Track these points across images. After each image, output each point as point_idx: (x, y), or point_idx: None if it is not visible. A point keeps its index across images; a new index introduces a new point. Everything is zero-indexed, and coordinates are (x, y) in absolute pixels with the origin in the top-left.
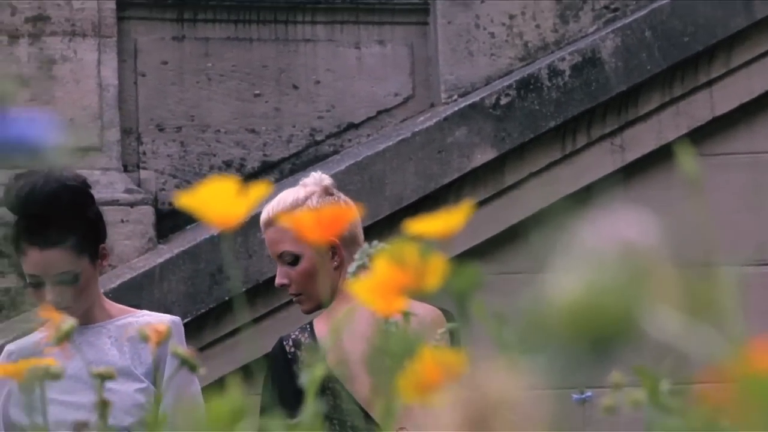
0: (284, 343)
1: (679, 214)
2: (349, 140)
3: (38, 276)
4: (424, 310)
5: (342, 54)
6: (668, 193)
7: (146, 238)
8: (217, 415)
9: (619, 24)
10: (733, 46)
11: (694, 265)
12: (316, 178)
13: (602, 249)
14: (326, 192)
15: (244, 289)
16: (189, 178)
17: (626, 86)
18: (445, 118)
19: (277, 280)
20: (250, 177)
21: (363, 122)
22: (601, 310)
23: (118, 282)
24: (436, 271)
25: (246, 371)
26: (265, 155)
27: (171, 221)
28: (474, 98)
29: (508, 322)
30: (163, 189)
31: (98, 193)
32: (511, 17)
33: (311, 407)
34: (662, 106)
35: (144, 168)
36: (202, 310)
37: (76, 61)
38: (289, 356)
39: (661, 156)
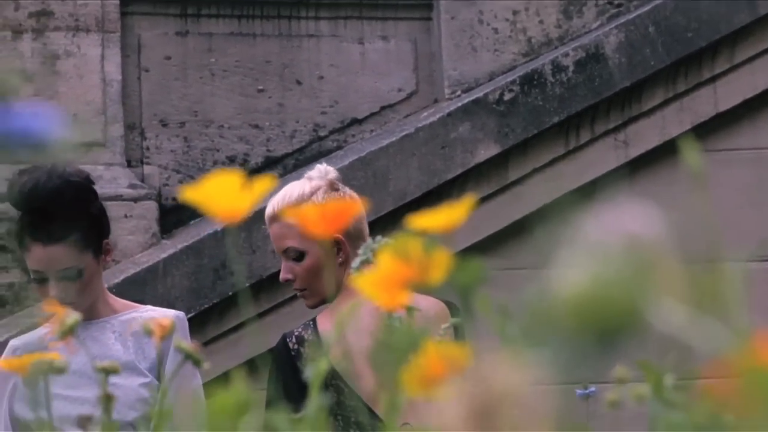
0: (287, 339)
1: (683, 210)
2: (353, 136)
3: (42, 272)
4: (428, 304)
5: (345, 49)
6: (672, 188)
7: (150, 234)
8: (222, 408)
9: (622, 20)
10: (736, 42)
11: (698, 261)
12: (321, 171)
13: (607, 242)
14: (332, 187)
15: (247, 285)
16: (192, 173)
17: (630, 82)
18: (449, 114)
19: (282, 275)
20: (253, 172)
21: (366, 118)
22: (607, 302)
23: (122, 277)
24: (440, 265)
25: (250, 366)
26: (268, 151)
27: (174, 216)
28: (477, 94)
29: (511, 316)
30: (167, 184)
31: (102, 189)
32: (515, 13)
33: (316, 401)
34: (666, 102)
35: (147, 163)
36: (206, 306)
37: (80, 56)
38: (293, 353)
39: (665, 152)
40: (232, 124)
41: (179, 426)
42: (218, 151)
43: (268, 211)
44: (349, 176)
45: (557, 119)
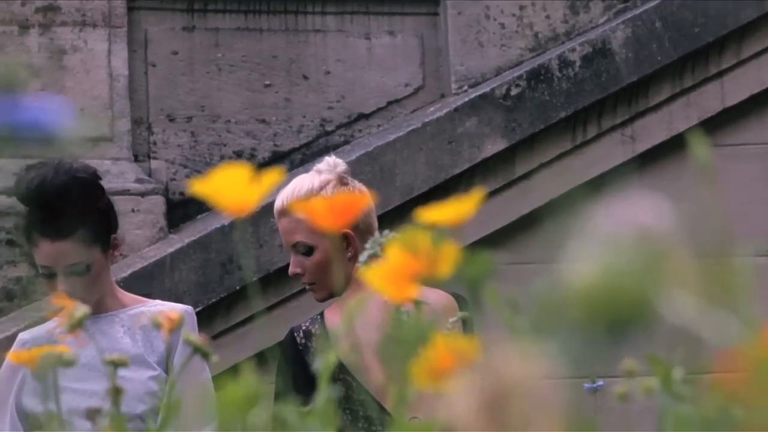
0: (295, 334)
1: (690, 205)
2: (360, 130)
3: (50, 267)
4: (436, 297)
5: (352, 44)
6: (678, 183)
7: (157, 228)
8: (232, 400)
9: (629, 15)
10: (743, 38)
11: (708, 254)
12: (330, 164)
13: (618, 233)
14: (341, 181)
15: (255, 279)
16: (199, 168)
17: (637, 77)
18: (456, 109)
19: (291, 270)
20: (260, 167)
21: (373, 113)
22: (617, 293)
23: (129, 271)
24: (449, 258)
25: (258, 360)
26: (275, 145)
27: (182, 211)
28: (484, 89)
29: (520, 308)
30: (174, 179)
31: (109, 183)
32: (521, 8)
33: (324, 394)
34: (673, 97)
35: (155, 158)
36: (213, 300)
37: (87, 51)
38: (300, 347)
39: (672, 147)
40: (239, 119)
41: (188, 418)
42: (225, 145)
43: (277, 205)
44: (356, 171)
45: (564, 114)
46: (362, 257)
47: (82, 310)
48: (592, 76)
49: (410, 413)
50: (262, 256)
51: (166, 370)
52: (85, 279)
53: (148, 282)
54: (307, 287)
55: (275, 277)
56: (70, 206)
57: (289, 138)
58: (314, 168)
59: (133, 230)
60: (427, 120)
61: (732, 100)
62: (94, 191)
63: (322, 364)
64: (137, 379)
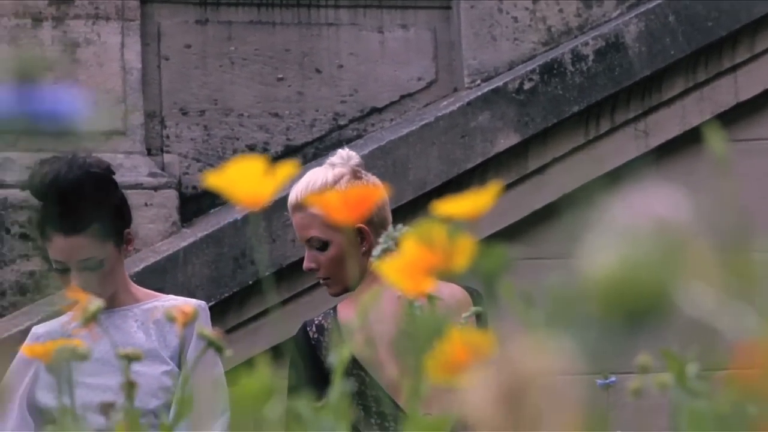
0: (307, 328)
1: (703, 199)
2: (372, 124)
3: (63, 262)
4: (451, 291)
5: (365, 38)
6: (692, 178)
7: (170, 222)
8: (247, 394)
9: (642, 8)
10: (757, 32)
11: (724, 247)
12: (344, 157)
13: (635, 225)
14: (355, 175)
15: (265, 275)
16: (212, 161)
17: (650, 71)
18: (469, 103)
19: (306, 265)
20: (273, 161)
21: (386, 106)
22: (635, 285)
23: (142, 266)
24: (464, 251)
25: (269, 355)
26: (288, 139)
27: (194, 205)
28: (497, 83)
29: (535, 302)
30: (187, 173)
31: (122, 177)
32: (534, 1)
33: (338, 388)
34: (686, 92)
35: (167, 152)
36: (226, 294)
37: (100, 44)
38: (313, 342)
39: (685, 141)
40: (252, 113)
41: (201, 411)
42: (238, 139)
43: (291, 199)
44: (368, 165)
45: (577, 108)
46: (375, 251)
47: (96, 304)
48: (605, 70)
49: (423, 409)
50: (275, 250)
51: (180, 365)
52: (99, 274)
53: (161, 276)
54: (321, 282)
55: (288, 272)
56: (83, 201)
57: (301, 132)
58: (327, 161)
59: (146, 224)
60: (440, 114)
61: (745, 95)
62: (108, 186)
63: (335, 358)
64: (150, 374)
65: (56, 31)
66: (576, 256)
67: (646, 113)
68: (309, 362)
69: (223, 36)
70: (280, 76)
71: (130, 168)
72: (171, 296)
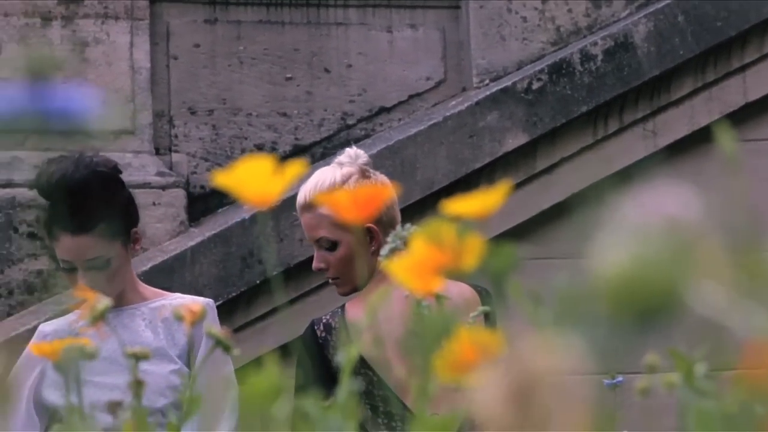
0: (315, 327)
1: (712, 200)
2: (381, 124)
3: (71, 261)
4: (459, 290)
5: (374, 37)
6: (700, 178)
7: (178, 221)
8: (255, 392)
9: (651, 8)
10: (766, 32)
11: (735, 247)
12: (352, 156)
13: (646, 224)
14: (363, 174)
15: (273, 274)
16: (221, 161)
17: (659, 71)
18: (477, 103)
19: (315, 265)
20: (281, 160)
21: (394, 106)
22: (646, 283)
23: (150, 265)
24: (473, 251)
25: (277, 354)
26: (296, 139)
27: (202, 204)
28: (506, 83)
29: (544, 302)
30: (195, 172)
31: (130, 176)
32: (543, 1)
33: (346, 387)
34: (695, 92)
35: (176, 151)
36: (234, 294)
37: (109, 43)
38: (320, 341)
39: (693, 142)
40: (261, 112)
41: (212, 411)
42: (246, 139)
43: (300, 199)
44: (377, 165)
45: (585, 108)
46: (383, 251)
47: (104, 302)
48: (613, 70)
49: (431, 409)
50: (283, 249)
51: (188, 364)
52: (106, 273)
53: (168, 276)
54: (330, 281)
55: (295, 271)
56: (90, 201)
57: (310, 131)
58: (335, 160)
59: (153, 223)
60: (448, 114)
61: (754, 95)
62: (115, 186)
63: (343, 357)
64: (158, 373)
65: (65, 31)
66: (585, 256)
67: (654, 113)
68: (316, 361)
69: (232, 35)
70: (289, 75)
71: (139, 167)
72: (178, 294)
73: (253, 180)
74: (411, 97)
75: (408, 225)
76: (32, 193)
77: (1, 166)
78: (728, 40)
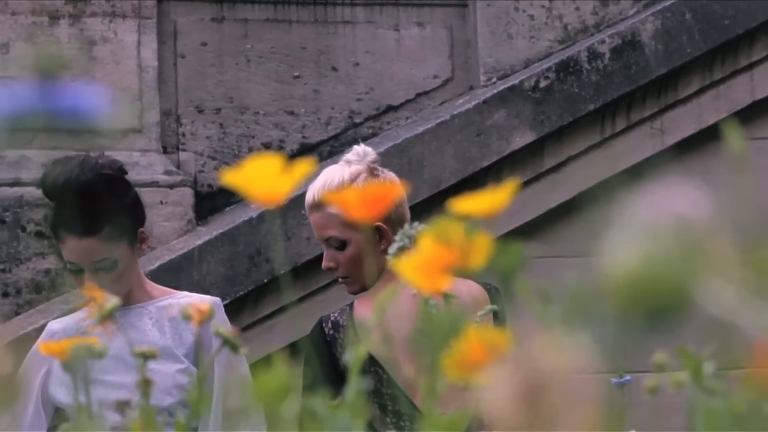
0: (323, 324)
1: (720, 198)
2: (388, 123)
3: (77, 263)
4: (468, 288)
5: (381, 36)
6: (708, 176)
7: (185, 220)
8: (264, 391)
9: (659, 6)
10: None
11: (744, 245)
12: (360, 153)
13: (656, 222)
14: (372, 172)
15: (282, 272)
16: (228, 160)
17: (666, 69)
18: (484, 101)
19: (324, 264)
20: (288, 159)
21: (402, 104)
22: (656, 282)
23: (157, 264)
24: (481, 249)
25: (285, 352)
26: (304, 137)
27: (210, 203)
28: (513, 81)
29: (552, 300)
30: (202, 171)
31: (137, 175)
32: None
33: (355, 386)
34: (702, 90)
35: (183, 150)
36: (241, 293)
37: (116, 42)
38: (328, 338)
39: (701, 140)
40: (268, 111)
41: (234, 414)
42: (254, 137)
43: (308, 199)
44: (384, 163)
45: (593, 107)
46: (391, 249)
47: (112, 301)
48: (621, 68)
49: (440, 408)
50: (290, 248)
51: (195, 363)
52: (113, 274)
53: (176, 275)
54: (340, 280)
55: (303, 270)
56: (96, 203)
57: (317, 130)
58: (343, 158)
59: (161, 222)
60: (455, 112)
61: (762, 93)
62: (120, 187)
63: (352, 356)
64: (165, 372)
65: (73, 29)
66: (593, 254)
67: (662, 111)
68: (324, 358)
69: (239, 34)
70: (296, 74)
71: (146, 166)
72: (186, 293)
73: (261, 178)
74: (418, 95)
75: (416, 223)
76: (40, 192)
77: (9, 164)
78: (736, 38)
